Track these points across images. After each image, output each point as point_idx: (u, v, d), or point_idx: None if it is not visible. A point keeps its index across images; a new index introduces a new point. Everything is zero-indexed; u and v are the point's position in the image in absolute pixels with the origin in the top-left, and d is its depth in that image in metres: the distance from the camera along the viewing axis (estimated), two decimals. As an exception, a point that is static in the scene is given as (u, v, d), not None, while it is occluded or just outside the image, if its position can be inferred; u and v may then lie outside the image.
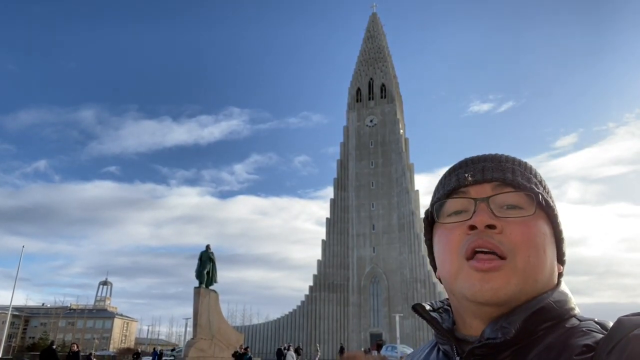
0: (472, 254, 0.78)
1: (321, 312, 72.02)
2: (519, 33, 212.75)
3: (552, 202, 0.86)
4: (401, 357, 40.34)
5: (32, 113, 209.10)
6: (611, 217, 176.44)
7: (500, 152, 0.90)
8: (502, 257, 0.76)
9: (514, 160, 0.88)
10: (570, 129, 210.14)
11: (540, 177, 0.89)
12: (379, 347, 50.34)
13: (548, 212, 0.83)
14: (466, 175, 0.86)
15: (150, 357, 39.95)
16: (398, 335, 47.63)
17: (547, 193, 0.86)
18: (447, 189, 0.87)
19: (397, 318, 50.31)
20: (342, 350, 49.63)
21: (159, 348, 51.03)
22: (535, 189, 0.82)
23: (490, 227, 0.78)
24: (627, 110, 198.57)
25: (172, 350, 55.41)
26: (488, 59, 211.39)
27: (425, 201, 76.90)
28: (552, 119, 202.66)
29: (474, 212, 0.80)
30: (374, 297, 71.79)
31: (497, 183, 0.83)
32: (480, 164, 0.87)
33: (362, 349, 50.91)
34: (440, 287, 65.89)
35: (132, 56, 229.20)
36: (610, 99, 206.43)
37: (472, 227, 0.79)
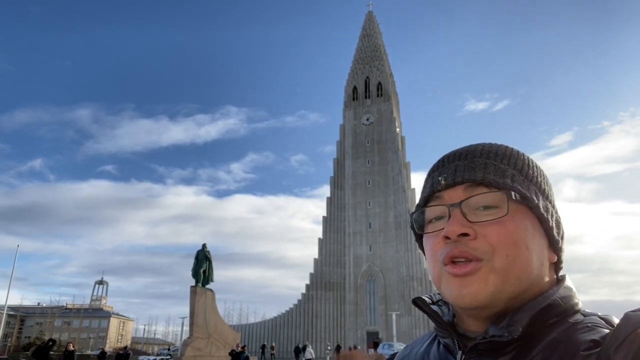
0: (450, 262, 0.77)
1: (318, 310, 72.05)
2: (515, 32, 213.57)
3: (536, 190, 0.82)
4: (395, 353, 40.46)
5: (27, 112, 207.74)
6: (606, 215, 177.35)
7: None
8: (478, 260, 0.75)
9: (489, 152, 0.84)
10: (565, 128, 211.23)
11: (523, 163, 0.84)
12: (375, 345, 50.44)
13: (528, 205, 0.79)
14: (440, 179, 0.83)
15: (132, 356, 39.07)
16: (395, 333, 47.83)
17: (530, 181, 0.83)
18: (423, 196, 0.86)
19: (394, 316, 50.51)
20: (338, 348, 49.74)
21: (136, 348, 50.35)
22: (510, 182, 0.79)
23: (464, 234, 0.76)
24: (621, 109, 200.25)
25: (167, 349, 54.64)
26: (484, 57, 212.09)
27: (421, 199, 76.97)
28: (547, 117, 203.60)
29: (449, 219, 0.78)
30: (370, 296, 71.87)
31: (468, 184, 0.80)
32: (453, 164, 0.84)
33: (348, 347, 50.91)
34: (436, 285, 65.89)
35: (129, 55, 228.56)
36: (604, 98, 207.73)
37: (447, 237, 0.77)
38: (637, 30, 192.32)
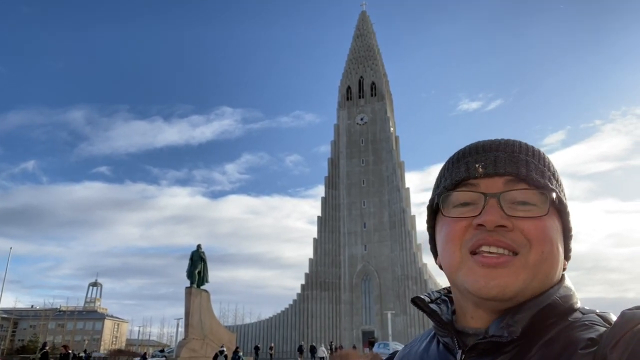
0: (477, 248, 0.76)
1: (313, 310, 72.06)
2: (508, 31, 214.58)
3: (564, 197, 0.83)
4: (395, 352, 40.68)
5: (20, 114, 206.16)
6: (599, 213, 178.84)
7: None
8: (514, 253, 0.74)
9: (527, 149, 0.83)
10: (557, 127, 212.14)
11: (554, 167, 0.85)
12: (371, 344, 50.43)
13: (560, 209, 0.80)
14: (477, 165, 0.81)
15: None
16: (390, 332, 47.87)
17: (560, 186, 0.84)
18: (455, 179, 0.82)
19: (389, 315, 50.54)
20: (330, 348, 49.80)
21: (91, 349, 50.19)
22: (549, 185, 0.79)
23: (500, 226, 0.75)
24: (613, 108, 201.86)
25: (161, 351, 53.05)
26: (477, 57, 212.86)
27: (415, 199, 77.21)
28: (540, 116, 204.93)
29: (483, 208, 0.76)
30: (365, 295, 71.97)
31: (509, 178, 0.78)
32: (492, 154, 0.82)
33: (335, 346, 50.99)
34: (431, 284, 66.23)
35: (122, 56, 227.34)
36: (596, 97, 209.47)
37: (481, 225, 0.76)
38: (628, 29, 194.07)
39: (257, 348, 52.63)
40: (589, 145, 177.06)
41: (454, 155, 0.88)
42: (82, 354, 35.95)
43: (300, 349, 48.48)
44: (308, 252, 77.92)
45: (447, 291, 0.92)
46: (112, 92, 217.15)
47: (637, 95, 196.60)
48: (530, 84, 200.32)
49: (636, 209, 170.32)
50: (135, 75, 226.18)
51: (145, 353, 42.75)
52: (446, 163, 0.89)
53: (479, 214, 0.76)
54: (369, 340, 58.73)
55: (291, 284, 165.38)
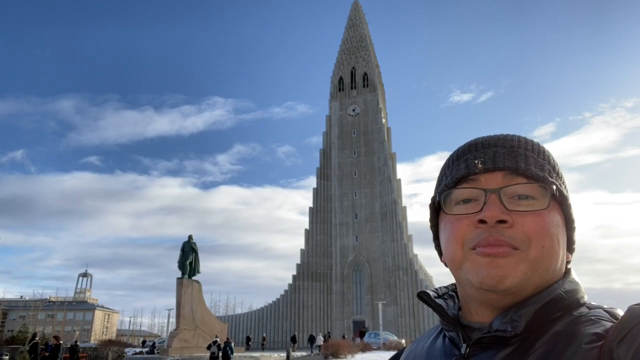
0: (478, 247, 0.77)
1: (305, 301, 72.36)
2: (499, 24, 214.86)
3: (565, 189, 0.83)
4: (384, 343, 41.36)
5: (8, 103, 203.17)
6: (587, 204, 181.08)
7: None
8: (514, 248, 0.74)
9: (526, 144, 0.84)
10: (547, 119, 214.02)
11: (554, 160, 0.85)
12: (361, 334, 50.98)
13: (561, 202, 0.81)
14: (476, 162, 0.81)
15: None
16: (381, 322, 48.20)
17: (560, 178, 0.84)
18: (455, 177, 0.83)
19: (380, 305, 50.86)
20: (312, 339, 50.17)
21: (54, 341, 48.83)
22: (549, 178, 0.79)
23: (501, 221, 0.75)
24: (602, 100, 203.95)
25: (143, 342, 49.43)
26: (469, 49, 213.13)
27: (407, 190, 77.51)
28: (530, 108, 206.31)
29: (484, 203, 0.77)
30: (356, 285, 72.36)
31: (509, 172, 0.79)
32: (491, 149, 0.82)
33: (323, 335, 51.41)
34: (422, 275, 66.78)
35: (113, 45, 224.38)
36: (586, 89, 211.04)
37: (482, 221, 0.76)
38: (617, 23, 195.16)
39: (248, 338, 53.00)
40: (578, 137, 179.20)
41: (453, 153, 0.89)
42: (71, 344, 35.53)
43: (294, 339, 48.76)
44: (299, 242, 78.27)
45: (455, 287, 0.92)
46: (103, 81, 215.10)
47: (626, 88, 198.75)
48: (520, 76, 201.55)
49: (624, 201, 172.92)
50: (126, 64, 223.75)
51: (151, 343, 42.67)
52: (446, 161, 0.90)
53: (480, 210, 0.77)
54: (360, 330, 59.37)
55: (282, 274, 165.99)
